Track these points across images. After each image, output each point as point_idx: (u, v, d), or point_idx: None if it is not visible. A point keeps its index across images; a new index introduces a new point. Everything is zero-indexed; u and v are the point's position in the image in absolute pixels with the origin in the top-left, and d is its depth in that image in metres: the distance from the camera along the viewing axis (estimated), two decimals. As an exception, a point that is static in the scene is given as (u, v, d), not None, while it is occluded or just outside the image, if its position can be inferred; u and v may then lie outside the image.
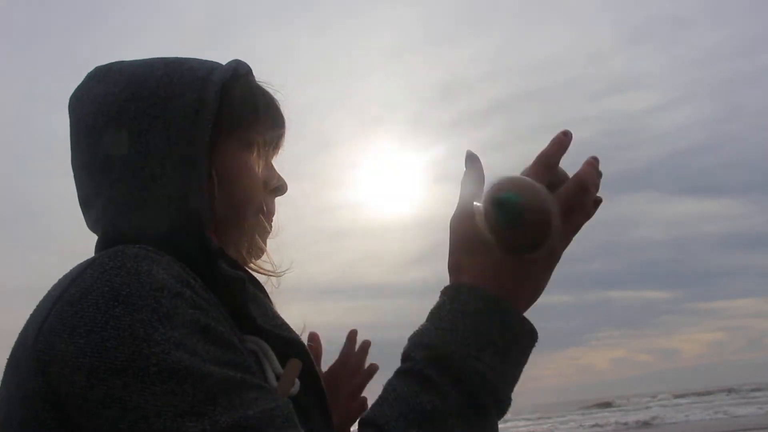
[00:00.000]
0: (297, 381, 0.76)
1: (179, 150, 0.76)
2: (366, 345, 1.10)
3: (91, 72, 0.84)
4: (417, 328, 0.69)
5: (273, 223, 0.89)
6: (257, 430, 0.59)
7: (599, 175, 0.73)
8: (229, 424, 0.59)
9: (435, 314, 0.69)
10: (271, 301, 0.85)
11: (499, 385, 0.65)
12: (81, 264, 0.70)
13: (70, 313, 0.64)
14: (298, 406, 0.69)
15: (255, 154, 0.85)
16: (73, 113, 0.82)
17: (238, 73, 0.84)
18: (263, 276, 0.89)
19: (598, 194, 0.73)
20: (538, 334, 0.69)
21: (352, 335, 1.11)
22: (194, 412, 0.59)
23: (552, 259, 0.71)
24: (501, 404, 0.66)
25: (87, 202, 0.82)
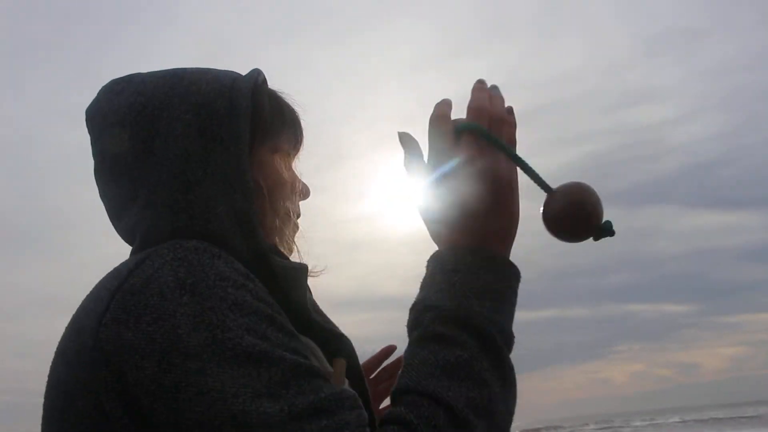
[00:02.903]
0: (346, 379, 0.79)
1: (219, 156, 0.78)
2: (390, 350, 1.12)
3: (106, 85, 0.85)
4: (415, 299, 0.72)
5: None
6: (330, 411, 0.61)
7: (495, 88, 0.78)
8: (305, 405, 0.61)
9: (428, 281, 0.72)
10: (313, 297, 0.87)
11: (504, 323, 0.69)
12: (135, 257, 0.70)
13: (132, 302, 0.64)
14: None
15: (282, 160, 0.88)
16: (94, 126, 0.83)
17: (259, 81, 0.86)
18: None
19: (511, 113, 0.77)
20: (520, 271, 0.74)
21: (389, 350, 1.12)
22: (271, 393, 0.60)
23: (512, 189, 0.74)
24: (509, 341, 0.70)
25: (119, 211, 0.82)
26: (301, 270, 0.81)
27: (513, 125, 0.77)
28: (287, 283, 0.78)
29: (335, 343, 0.82)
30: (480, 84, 0.78)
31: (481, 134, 0.73)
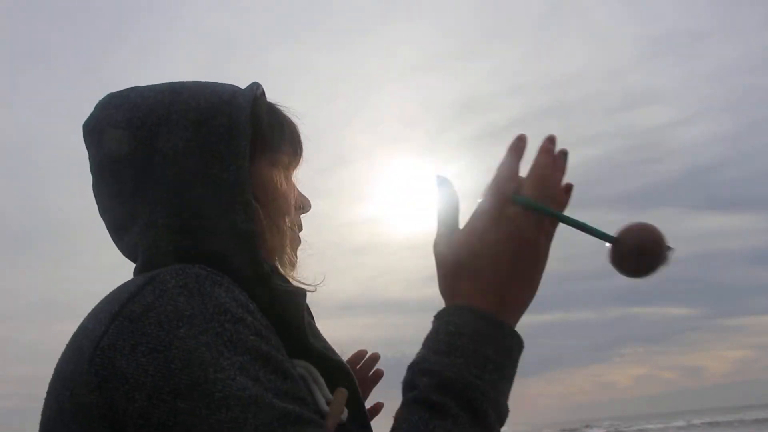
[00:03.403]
0: (345, 409, 0.77)
1: (220, 173, 0.76)
2: (375, 357, 1.13)
3: (103, 100, 0.84)
4: (415, 357, 0.70)
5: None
6: None
7: (564, 155, 0.74)
8: None
9: (432, 339, 0.70)
10: (313, 319, 0.86)
11: (500, 399, 0.67)
12: (137, 279, 0.69)
13: (130, 329, 0.63)
14: None
15: (282, 173, 0.87)
16: (92, 141, 0.82)
17: (257, 95, 0.85)
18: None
19: (567, 181, 0.74)
20: (524, 345, 0.72)
21: (362, 353, 1.13)
22: None
23: (541, 267, 0.72)
24: (502, 415, 0.68)
25: (120, 229, 0.81)
26: (300, 295, 0.79)
27: (564, 206, 0.73)
28: (286, 308, 0.76)
29: (334, 370, 0.80)
30: (549, 145, 0.73)
31: (541, 212, 0.70)
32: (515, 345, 0.70)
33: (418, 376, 0.67)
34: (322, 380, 0.77)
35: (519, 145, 0.73)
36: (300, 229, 0.91)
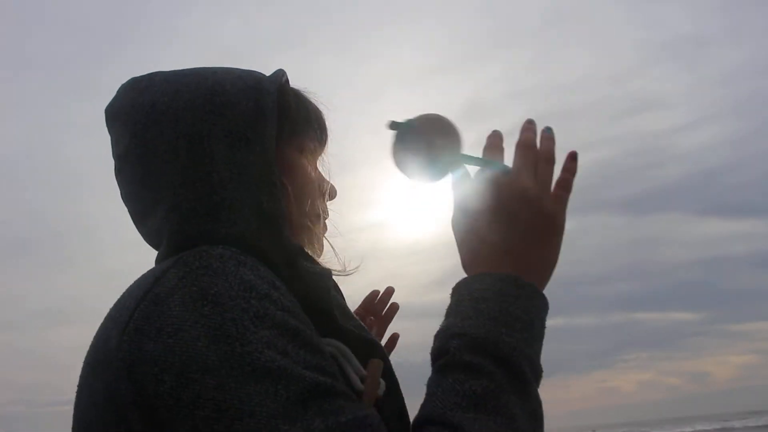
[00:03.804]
0: (382, 381, 0.75)
1: (245, 156, 0.76)
2: (390, 290, 1.15)
3: (127, 83, 0.83)
4: (440, 326, 0.71)
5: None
6: None
7: (548, 129, 0.79)
8: (321, 429, 0.58)
9: (455, 308, 0.71)
10: (344, 300, 0.85)
11: (533, 355, 0.68)
12: (161, 264, 0.70)
13: (155, 312, 0.63)
14: (380, 411, 0.68)
15: (308, 159, 0.88)
16: (115, 125, 0.81)
17: (283, 81, 0.85)
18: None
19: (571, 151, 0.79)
20: (549, 304, 0.75)
21: (375, 293, 1.15)
22: (287, 414, 0.58)
23: (555, 229, 0.75)
24: (537, 373, 0.68)
25: (143, 214, 0.80)
26: (326, 275, 0.79)
27: (571, 171, 0.77)
28: (312, 288, 0.76)
29: (367, 348, 0.79)
30: (528, 124, 0.79)
31: (477, 164, 0.78)
32: (541, 304, 0.72)
33: (446, 340, 0.68)
34: (352, 356, 0.76)
35: (497, 134, 0.80)
36: (326, 215, 0.91)
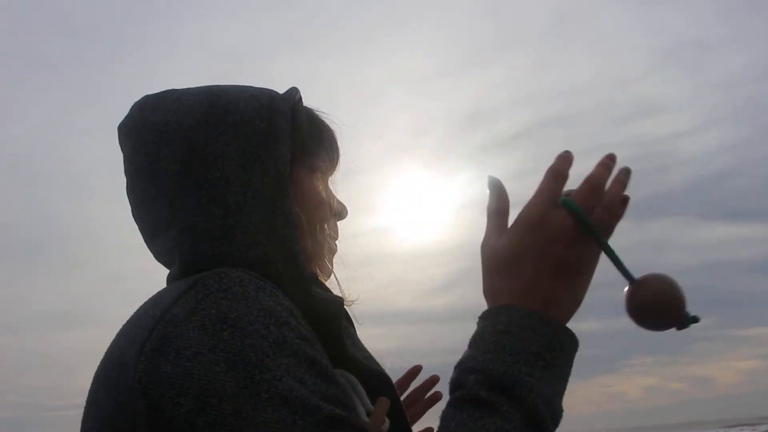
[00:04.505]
0: (387, 419, 0.75)
1: (259, 177, 0.75)
2: (435, 379, 1.06)
3: (140, 101, 0.83)
4: (462, 356, 0.69)
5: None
6: None
7: (626, 172, 0.73)
8: None
9: (477, 339, 0.69)
10: (355, 329, 0.84)
11: (553, 398, 0.66)
12: (179, 284, 0.69)
13: (174, 334, 0.62)
14: None
15: (319, 179, 0.87)
16: (128, 144, 0.80)
17: (296, 100, 0.84)
18: None
19: (625, 193, 0.73)
20: (579, 342, 0.71)
21: (416, 370, 1.07)
22: None
23: (588, 268, 0.71)
24: (556, 415, 0.67)
25: (154, 233, 0.79)
26: (338, 304, 0.77)
27: (619, 217, 0.72)
28: (324, 316, 0.74)
29: (374, 380, 0.78)
30: (609, 161, 0.72)
31: (580, 221, 0.70)
32: (568, 341, 0.69)
33: (465, 374, 0.67)
34: (362, 389, 0.75)
35: (568, 156, 0.73)
36: (336, 236, 0.90)
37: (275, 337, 0.62)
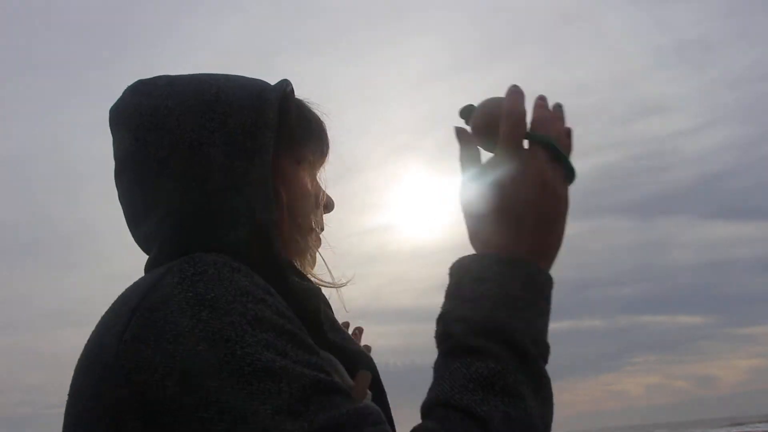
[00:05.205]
0: (369, 392, 0.76)
1: (243, 165, 0.77)
2: (358, 331, 1.13)
3: (133, 85, 0.84)
4: (442, 309, 0.70)
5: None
6: (353, 427, 0.60)
7: (559, 107, 0.74)
8: (325, 422, 0.59)
9: (455, 291, 0.70)
10: (333, 314, 0.86)
11: (538, 335, 0.67)
12: (154, 272, 0.70)
13: (152, 319, 0.63)
14: None
15: (306, 171, 0.88)
16: (118, 127, 0.82)
17: (287, 92, 0.85)
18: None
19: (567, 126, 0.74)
20: (554, 279, 0.72)
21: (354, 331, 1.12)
22: (291, 410, 0.59)
23: (559, 208, 0.71)
24: (544, 351, 0.68)
25: (138, 217, 0.81)
26: (314, 293, 0.79)
27: (570, 149, 0.74)
28: (300, 304, 0.75)
29: (354, 359, 0.80)
30: (541, 101, 0.74)
31: (552, 150, 0.71)
32: (545, 281, 0.70)
33: (449, 325, 0.67)
34: (342, 368, 0.77)
35: (517, 90, 0.73)
36: (321, 228, 0.91)
37: (253, 314, 0.63)
